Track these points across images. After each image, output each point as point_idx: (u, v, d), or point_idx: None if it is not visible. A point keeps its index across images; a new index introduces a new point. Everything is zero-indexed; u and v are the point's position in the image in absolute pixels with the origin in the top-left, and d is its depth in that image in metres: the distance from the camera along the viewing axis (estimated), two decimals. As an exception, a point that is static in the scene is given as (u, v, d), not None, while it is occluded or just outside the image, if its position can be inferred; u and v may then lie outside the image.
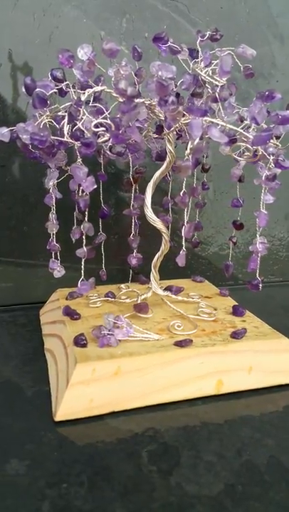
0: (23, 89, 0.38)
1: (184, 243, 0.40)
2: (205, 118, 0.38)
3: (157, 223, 0.45)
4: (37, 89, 0.36)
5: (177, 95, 0.40)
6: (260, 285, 0.42)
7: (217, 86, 0.39)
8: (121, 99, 0.37)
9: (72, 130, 0.36)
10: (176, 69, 0.41)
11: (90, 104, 0.39)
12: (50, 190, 0.42)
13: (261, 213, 0.41)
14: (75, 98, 0.38)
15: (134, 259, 0.50)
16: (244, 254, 0.67)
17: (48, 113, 0.38)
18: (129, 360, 0.39)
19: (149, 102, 0.40)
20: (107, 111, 0.38)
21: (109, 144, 0.37)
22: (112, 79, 0.39)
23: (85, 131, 0.35)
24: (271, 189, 0.43)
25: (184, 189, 0.39)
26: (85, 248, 0.41)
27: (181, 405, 0.39)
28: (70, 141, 0.36)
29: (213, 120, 0.37)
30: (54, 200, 0.42)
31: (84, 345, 0.40)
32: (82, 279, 0.43)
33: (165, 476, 0.32)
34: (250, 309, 0.50)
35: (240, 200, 0.49)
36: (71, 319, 0.45)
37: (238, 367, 0.41)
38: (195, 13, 0.59)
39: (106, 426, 0.37)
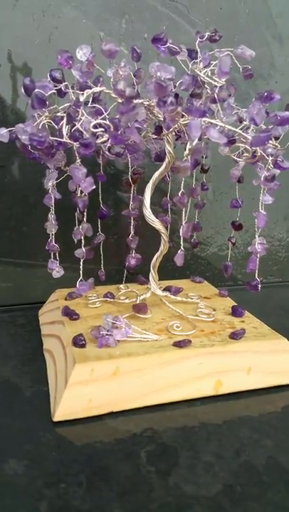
0: (22, 90, 0.38)
1: (182, 243, 0.40)
2: (204, 119, 0.38)
3: (156, 224, 0.45)
4: (36, 90, 0.36)
5: (176, 96, 0.40)
6: (259, 286, 0.42)
7: (216, 87, 0.39)
8: (120, 100, 0.37)
9: (71, 131, 0.36)
10: (176, 70, 0.42)
11: (89, 105, 0.39)
12: (50, 191, 0.42)
13: (260, 214, 0.41)
14: (74, 99, 0.38)
15: (132, 260, 0.50)
16: (243, 255, 0.67)
17: (46, 114, 0.38)
18: (127, 360, 0.39)
19: (148, 103, 0.40)
20: (106, 111, 0.38)
21: (108, 145, 0.37)
22: (111, 80, 0.39)
23: (84, 132, 0.35)
24: (270, 190, 0.43)
25: (182, 189, 0.39)
26: (83, 248, 0.41)
27: (179, 406, 0.39)
28: (69, 141, 0.36)
29: (212, 121, 0.37)
30: (53, 200, 0.42)
31: (83, 346, 0.40)
32: (81, 280, 0.43)
33: (163, 476, 0.32)
34: (250, 310, 0.50)
35: (240, 201, 0.49)
36: (70, 319, 0.45)
37: (237, 367, 0.41)
38: (194, 14, 0.59)
39: (105, 426, 0.37)
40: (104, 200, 0.51)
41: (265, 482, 0.32)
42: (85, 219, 0.41)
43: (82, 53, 0.38)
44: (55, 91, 0.37)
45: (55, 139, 0.37)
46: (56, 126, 0.38)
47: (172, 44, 0.41)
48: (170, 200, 0.53)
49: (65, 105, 0.39)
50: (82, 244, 0.41)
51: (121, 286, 0.54)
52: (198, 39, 0.40)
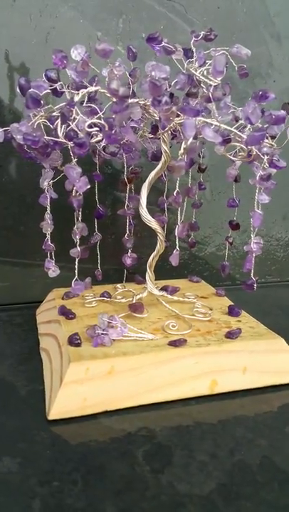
0: (18, 90, 0.39)
1: (177, 243, 0.40)
2: (199, 118, 0.38)
3: (152, 223, 0.45)
4: (30, 90, 0.36)
5: (171, 95, 0.40)
6: (255, 285, 0.42)
7: (211, 86, 0.39)
8: (114, 100, 0.37)
9: (66, 130, 0.36)
10: (173, 69, 0.42)
11: (84, 105, 0.39)
12: (45, 191, 0.42)
13: (256, 213, 0.41)
14: (69, 99, 0.38)
15: (128, 259, 0.50)
16: (241, 255, 0.67)
17: (42, 113, 0.38)
18: (122, 359, 0.39)
19: (143, 102, 0.40)
20: (101, 111, 0.38)
21: (103, 144, 0.38)
22: (106, 79, 0.39)
23: (78, 132, 0.35)
24: (267, 189, 0.43)
25: (177, 189, 0.39)
26: (78, 248, 0.41)
27: (174, 405, 0.39)
28: (64, 141, 0.36)
29: (207, 120, 0.37)
30: (49, 200, 0.43)
31: (78, 345, 0.40)
32: (76, 279, 0.43)
33: (157, 475, 0.32)
34: (247, 309, 0.50)
35: (236, 200, 0.49)
36: (66, 319, 0.45)
37: (233, 367, 0.41)
38: (192, 13, 0.59)
39: (99, 425, 0.37)
40: (102, 200, 0.51)
41: (258, 481, 0.32)
42: (80, 218, 0.41)
43: (76, 53, 0.38)
44: (49, 90, 0.37)
45: (49, 138, 0.37)
46: (51, 126, 0.38)
47: (167, 43, 0.41)
48: (166, 200, 0.53)
49: (61, 105, 0.39)
50: (78, 243, 0.41)
51: (118, 285, 0.54)
52: (194, 38, 0.40)
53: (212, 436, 0.36)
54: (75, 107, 0.37)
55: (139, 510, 0.29)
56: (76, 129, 0.35)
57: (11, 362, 0.45)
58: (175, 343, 0.41)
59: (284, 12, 0.62)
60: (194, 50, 0.41)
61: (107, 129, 0.37)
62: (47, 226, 0.43)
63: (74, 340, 0.40)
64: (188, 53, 0.43)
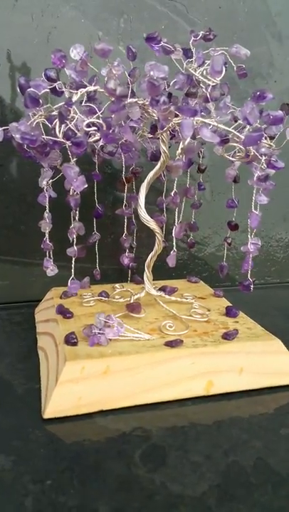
0: (18, 89, 0.39)
1: (174, 243, 0.40)
2: (197, 118, 0.38)
3: (151, 223, 0.45)
4: (29, 89, 0.36)
5: (169, 95, 0.40)
6: (252, 286, 0.42)
7: (210, 86, 0.39)
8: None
9: (63, 130, 0.36)
10: (174, 69, 0.42)
11: (83, 104, 0.39)
12: (44, 190, 0.42)
13: (253, 214, 0.41)
14: (70, 98, 0.38)
15: (126, 259, 0.50)
16: (241, 256, 0.67)
17: (41, 113, 0.39)
18: (118, 359, 0.39)
19: (142, 102, 0.40)
20: (100, 111, 0.38)
21: (101, 144, 0.38)
22: (106, 79, 0.39)
23: (76, 131, 0.35)
24: (265, 190, 0.43)
25: (174, 189, 0.39)
26: (75, 247, 0.41)
27: (170, 405, 0.39)
28: (62, 140, 0.36)
29: (205, 120, 0.37)
30: (47, 199, 0.43)
31: (74, 344, 0.40)
32: (73, 278, 0.43)
33: (150, 475, 0.32)
34: (246, 310, 0.50)
35: (236, 201, 0.49)
36: (64, 318, 0.45)
37: (229, 368, 0.41)
38: (194, 13, 0.59)
39: (94, 424, 0.37)
40: (102, 199, 0.51)
41: (252, 483, 0.31)
42: (77, 218, 0.41)
43: (75, 52, 0.38)
44: (48, 90, 0.37)
45: (48, 137, 0.37)
46: (50, 126, 0.38)
47: (166, 43, 0.41)
48: (165, 200, 0.52)
49: (60, 104, 0.39)
50: (74, 242, 0.41)
51: (116, 285, 0.54)
52: (192, 38, 0.40)
53: (207, 437, 0.36)
54: (74, 107, 0.37)
55: (131, 509, 0.29)
56: (74, 129, 0.35)
57: (9, 360, 0.45)
58: (171, 344, 0.41)
59: (285, 12, 0.62)
60: (193, 50, 0.40)
61: (105, 128, 0.37)
62: (45, 225, 0.43)
63: (70, 340, 0.40)
64: (188, 53, 0.43)
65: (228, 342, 0.42)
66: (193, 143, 0.38)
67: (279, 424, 0.38)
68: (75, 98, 0.38)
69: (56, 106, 0.40)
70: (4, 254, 0.57)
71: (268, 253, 0.68)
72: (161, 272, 0.54)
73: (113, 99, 0.35)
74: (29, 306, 0.56)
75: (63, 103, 0.39)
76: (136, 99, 0.40)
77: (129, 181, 0.47)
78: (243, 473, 0.32)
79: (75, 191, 0.38)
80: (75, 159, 0.46)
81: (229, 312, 0.48)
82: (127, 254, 0.50)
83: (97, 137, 0.37)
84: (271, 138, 0.42)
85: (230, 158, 0.41)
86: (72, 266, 0.42)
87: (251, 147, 0.38)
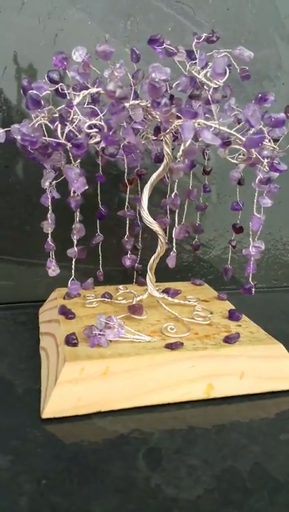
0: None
1: (174, 245, 0.40)
2: (199, 120, 0.38)
3: (153, 225, 0.45)
4: (30, 91, 0.36)
5: (171, 97, 0.40)
6: (253, 289, 0.42)
7: (213, 88, 0.39)
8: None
9: (64, 131, 0.36)
10: (178, 71, 0.42)
11: (85, 106, 0.39)
12: (46, 191, 0.42)
13: (254, 217, 0.41)
14: (69, 100, 0.39)
15: (128, 261, 0.50)
16: (247, 258, 0.66)
17: (43, 114, 0.39)
18: (118, 360, 0.39)
19: (144, 104, 0.40)
20: (102, 112, 0.38)
21: (102, 146, 0.38)
22: (108, 81, 0.39)
23: (76, 133, 0.35)
24: (269, 192, 0.43)
25: (175, 191, 0.39)
26: (75, 248, 0.42)
27: (169, 408, 0.39)
28: (63, 142, 0.36)
29: (207, 122, 0.37)
30: (50, 200, 0.43)
31: (75, 345, 0.40)
32: (73, 279, 0.43)
33: (146, 477, 0.32)
34: (252, 314, 0.49)
35: (240, 204, 0.49)
36: (66, 318, 0.45)
37: (230, 372, 0.41)
38: (201, 15, 0.59)
39: (92, 425, 0.37)
40: (108, 201, 0.51)
41: (248, 488, 0.31)
42: (78, 219, 0.41)
43: (78, 55, 0.38)
44: (49, 91, 0.37)
45: (49, 139, 0.37)
46: (52, 127, 0.38)
47: (169, 45, 0.41)
48: (166, 202, 0.52)
49: (62, 106, 0.39)
50: (75, 244, 0.41)
51: (120, 286, 0.54)
52: (195, 40, 0.40)
53: (205, 440, 0.36)
54: (75, 108, 0.37)
55: (125, 511, 0.29)
56: (74, 130, 0.35)
57: (11, 360, 0.46)
58: (171, 346, 0.40)
59: (294, 14, 0.61)
60: (196, 52, 0.40)
61: (106, 130, 0.37)
62: (47, 226, 0.44)
63: (71, 340, 0.40)
64: (191, 55, 0.43)
65: (229, 345, 0.42)
66: (195, 145, 0.38)
67: (279, 429, 0.37)
68: (77, 100, 0.38)
69: (59, 108, 0.40)
70: (10, 255, 0.58)
71: (275, 256, 0.68)
72: (166, 274, 0.54)
73: (112, 101, 0.35)
74: (34, 307, 0.56)
75: (64, 105, 0.39)
76: (138, 101, 0.40)
77: (131, 183, 0.47)
78: (240, 478, 0.32)
79: (75, 192, 0.38)
80: (78, 161, 0.47)
81: (232, 315, 0.47)
82: (129, 255, 0.50)
83: (98, 139, 0.37)
84: (275, 140, 0.42)
85: (233, 161, 0.40)
86: (73, 267, 0.43)
87: (253, 149, 0.38)
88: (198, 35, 0.40)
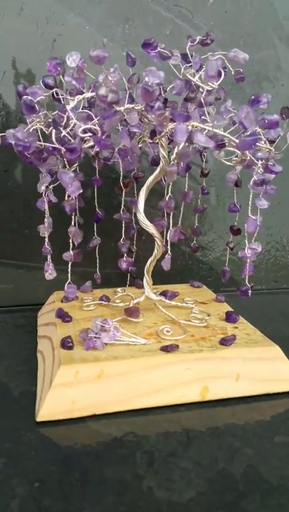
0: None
1: (168, 247, 0.40)
2: (193, 123, 0.38)
3: (150, 228, 0.45)
4: (24, 97, 0.36)
5: (165, 100, 0.40)
6: (250, 291, 0.42)
7: (207, 91, 0.39)
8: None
9: (58, 136, 0.36)
10: (175, 74, 0.42)
11: (80, 110, 0.39)
12: (43, 195, 0.43)
13: (250, 219, 0.40)
14: (66, 104, 0.39)
15: (124, 263, 0.50)
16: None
17: (39, 119, 0.39)
18: (113, 363, 0.39)
19: (139, 108, 0.40)
20: (97, 117, 0.39)
21: (96, 150, 0.38)
22: (102, 85, 0.39)
23: (69, 137, 0.35)
24: (266, 194, 0.43)
25: (169, 194, 0.39)
26: (71, 252, 0.42)
27: (164, 411, 0.39)
28: (57, 146, 0.37)
29: (200, 125, 0.37)
30: (46, 204, 0.43)
31: (70, 348, 0.40)
32: (69, 282, 0.44)
33: (138, 480, 0.32)
34: (251, 316, 0.49)
35: (238, 205, 0.49)
36: (62, 322, 0.46)
37: (226, 374, 0.41)
38: (199, 18, 0.59)
39: (87, 428, 0.37)
40: (106, 204, 0.51)
41: (240, 491, 0.31)
42: (73, 223, 0.41)
43: (71, 60, 0.38)
44: (43, 97, 0.38)
45: (43, 143, 0.37)
46: (46, 132, 0.39)
47: (164, 49, 0.41)
48: (161, 204, 0.52)
49: (56, 111, 0.40)
50: (71, 247, 0.42)
51: (118, 289, 0.54)
52: (189, 43, 0.40)
53: (198, 443, 0.36)
54: (69, 113, 0.37)
55: (116, 514, 0.29)
56: (67, 135, 0.35)
57: (8, 363, 0.46)
58: (167, 349, 0.40)
59: (293, 15, 0.61)
60: (190, 55, 0.40)
61: (99, 134, 0.37)
62: (44, 229, 0.44)
63: (66, 343, 0.40)
64: (187, 58, 0.43)
65: (225, 348, 0.42)
66: (188, 148, 0.38)
67: (274, 431, 0.37)
68: (72, 104, 0.38)
69: (54, 113, 0.40)
70: (9, 258, 0.58)
71: (275, 258, 0.67)
72: (166, 276, 0.54)
73: (103, 105, 0.35)
74: (33, 310, 0.57)
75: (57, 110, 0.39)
76: (133, 105, 0.40)
77: (127, 186, 0.47)
78: (232, 481, 0.32)
79: (70, 196, 0.38)
80: (76, 165, 0.47)
81: (229, 317, 0.47)
82: (125, 258, 0.50)
83: (91, 143, 0.37)
84: (272, 142, 0.42)
85: (227, 163, 0.40)
86: (69, 270, 0.43)
87: (247, 151, 0.38)
88: (192, 39, 0.40)
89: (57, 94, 0.39)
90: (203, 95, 0.37)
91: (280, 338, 0.46)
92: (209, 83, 0.39)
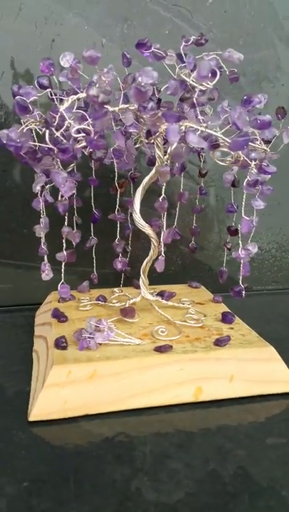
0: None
1: (162, 248, 0.40)
2: (185, 123, 0.38)
3: (146, 228, 0.45)
4: (17, 97, 0.37)
5: (159, 101, 0.40)
6: (243, 292, 0.42)
7: (201, 91, 0.39)
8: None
9: (49, 136, 0.36)
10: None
11: (74, 110, 0.39)
12: (38, 195, 0.43)
13: (244, 220, 0.40)
14: (58, 104, 0.39)
15: (119, 264, 0.50)
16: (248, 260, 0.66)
17: (33, 119, 0.39)
18: (105, 363, 0.39)
19: (133, 108, 0.40)
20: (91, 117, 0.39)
21: (89, 150, 0.38)
22: (96, 85, 0.39)
23: (61, 137, 0.35)
24: (262, 194, 0.42)
25: (163, 194, 0.39)
26: (64, 252, 0.42)
27: (158, 411, 0.39)
28: (49, 146, 0.37)
29: (192, 125, 0.37)
30: (42, 204, 0.43)
31: (64, 348, 0.40)
32: (63, 282, 0.44)
33: (127, 481, 0.32)
34: (250, 316, 0.49)
35: (235, 206, 0.49)
36: (58, 322, 0.46)
37: (220, 375, 0.41)
38: (198, 18, 0.59)
39: (79, 429, 0.37)
40: (105, 204, 0.51)
41: (229, 492, 0.31)
42: (66, 223, 0.41)
43: (65, 60, 0.38)
44: (36, 97, 0.38)
45: (35, 144, 0.37)
46: (40, 132, 0.39)
47: (158, 49, 0.41)
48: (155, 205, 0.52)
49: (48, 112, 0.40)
50: (64, 247, 0.42)
51: (115, 289, 0.54)
52: (183, 43, 0.40)
53: (190, 444, 0.35)
54: (63, 113, 0.37)
55: (103, 515, 0.29)
56: (58, 135, 0.35)
57: (4, 363, 0.46)
58: (160, 349, 0.40)
59: (293, 14, 0.61)
60: (184, 55, 0.40)
61: (92, 135, 0.37)
62: (40, 230, 0.44)
63: (60, 343, 0.41)
64: (182, 58, 0.43)
65: (219, 348, 0.41)
66: (181, 148, 0.38)
67: (266, 433, 0.37)
68: (66, 105, 0.38)
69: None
70: (7, 258, 0.58)
71: (275, 258, 0.67)
72: (165, 277, 0.54)
73: (94, 106, 0.35)
74: (31, 310, 0.57)
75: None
76: (127, 105, 0.40)
77: (122, 187, 0.47)
78: (221, 482, 0.32)
79: (63, 197, 0.38)
80: (73, 165, 0.47)
81: (225, 318, 0.47)
82: (120, 258, 0.50)
83: (83, 143, 0.37)
84: (268, 142, 0.42)
85: (221, 163, 0.40)
86: (62, 270, 0.43)
87: (240, 152, 0.38)
88: (186, 38, 0.40)
89: (51, 94, 0.39)
90: (196, 95, 0.37)
91: (277, 339, 0.45)
92: (204, 83, 0.39)
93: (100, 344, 0.41)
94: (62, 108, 0.37)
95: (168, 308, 0.49)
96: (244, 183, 0.39)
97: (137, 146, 0.48)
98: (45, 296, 0.56)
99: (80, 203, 0.50)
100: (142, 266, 0.47)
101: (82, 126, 0.37)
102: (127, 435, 0.36)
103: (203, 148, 0.51)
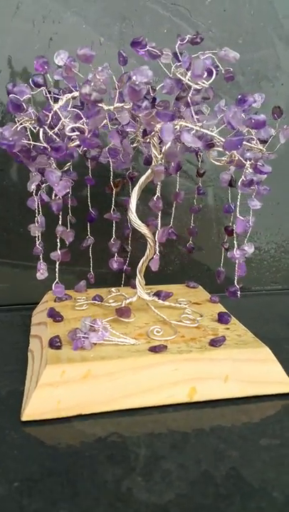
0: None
1: (157, 248, 0.40)
2: (180, 122, 0.38)
3: (142, 228, 0.45)
4: (11, 95, 0.36)
5: (154, 100, 0.40)
6: (238, 292, 0.41)
7: (196, 90, 0.39)
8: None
9: (43, 134, 0.36)
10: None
11: (69, 109, 0.39)
12: (33, 194, 0.43)
13: (238, 219, 0.40)
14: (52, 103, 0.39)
15: (115, 263, 0.50)
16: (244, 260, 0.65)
17: (27, 118, 0.39)
18: (100, 363, 0.39)
19: (129, 107, 0.40)
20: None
21: (83, 149, 0.38)
22: (92, 84, 0.39)
23: (54, 136, 0.35)
24: (259, 194, 0.42)
25: (157, 194, 0.39)
26: (58, 251, 0.42)
27: (152, 411, 0.39)
28: (43, 144, 0.37)
29: (187, 124, 0.37)
30: (37, 203, 0.43)
31: (58, 347, 0.40)
32: (57, 282, 0.44)
33: (118, 481, 0.32)
34: (248, 317, 0.49)
35: (232, 206, 0.48)
36: (53, 321, 0.46)
37: (214, 375, 0.40)
38: (197, 17, 0.58)
39: (72, 429, 0.37)
40: (103, 203, 0.51)
41: (220, 493, 0.31)
42: (60, 222, 0.41)
43: (59, 58, 0.38)
44: (30, 96, 0.38)
45: (29, 142, 0.37)
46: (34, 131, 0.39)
47: (153, 47, 0.40)
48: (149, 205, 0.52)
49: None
50: (58, 246, 0.42)
51: (112, 289, 0.54)
52: (179, 42, 0.40)
53: (183, 445, 0.35)
54: (57, 111, 0.37)
55: (93, 515, 0.29)
56: (53, 134, 0.35)
57: (-1, 362, 0.46)
58: (155, 349, 0.40)
59: (292, 13, 0.61)
60: (179, 54, 0.40)
61: (86, 133, 0.37)
62: (35, 229, 0.44)
63: (54, 343, 0.40)
64: (178, 57, 0.43)
65: (214, 349, 0.41)
66: (176, 147, 0.38)
67: (260, 434, 0.37)
68: (60, 103, 0.38)
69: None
70: (4, 257, 0.58)
71: (273, 259, 0.67)
72: (163, 277, 0.54)
73: (87, 104, 0.35)
74: (28, 309, 0.57)
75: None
76: (123, 104, 0.40)
77: (117, 186, 0.47)
78: (213, 483, 0.32)
79: (57, 196, 0.38)
80: (69, 164, 0.47)
81: (221, 318, 0.47)
82: (116, 258, 0.50)
83: (77, 142, 0.37)
84: (264, 142, 0.41)
85: (217, 163, 0.40)
86: (57, 270, 0.43)
87: (235, 151, 0.37)
88: (182, 37, 0.40)
89: (46, 92, 0.39)
90: (190, 94, 0.37)
91: (275, 339, 0.45)
92: (199, 82, 0.39)
93: (95, 344, 0.41)
94: (56, 107, 0.37)
95: (164, 308, 0.48)
96: (239, 183, 0.39)
97: (135, 145, 0.48)
98: (43, 295, 0.56)
99: (75, 202, 0.50)
100: (138, 266, 0.47)
101: (76, 125, 0.37)
102: (120, 435, 0.36)
103: (200, 148, 0.51)
